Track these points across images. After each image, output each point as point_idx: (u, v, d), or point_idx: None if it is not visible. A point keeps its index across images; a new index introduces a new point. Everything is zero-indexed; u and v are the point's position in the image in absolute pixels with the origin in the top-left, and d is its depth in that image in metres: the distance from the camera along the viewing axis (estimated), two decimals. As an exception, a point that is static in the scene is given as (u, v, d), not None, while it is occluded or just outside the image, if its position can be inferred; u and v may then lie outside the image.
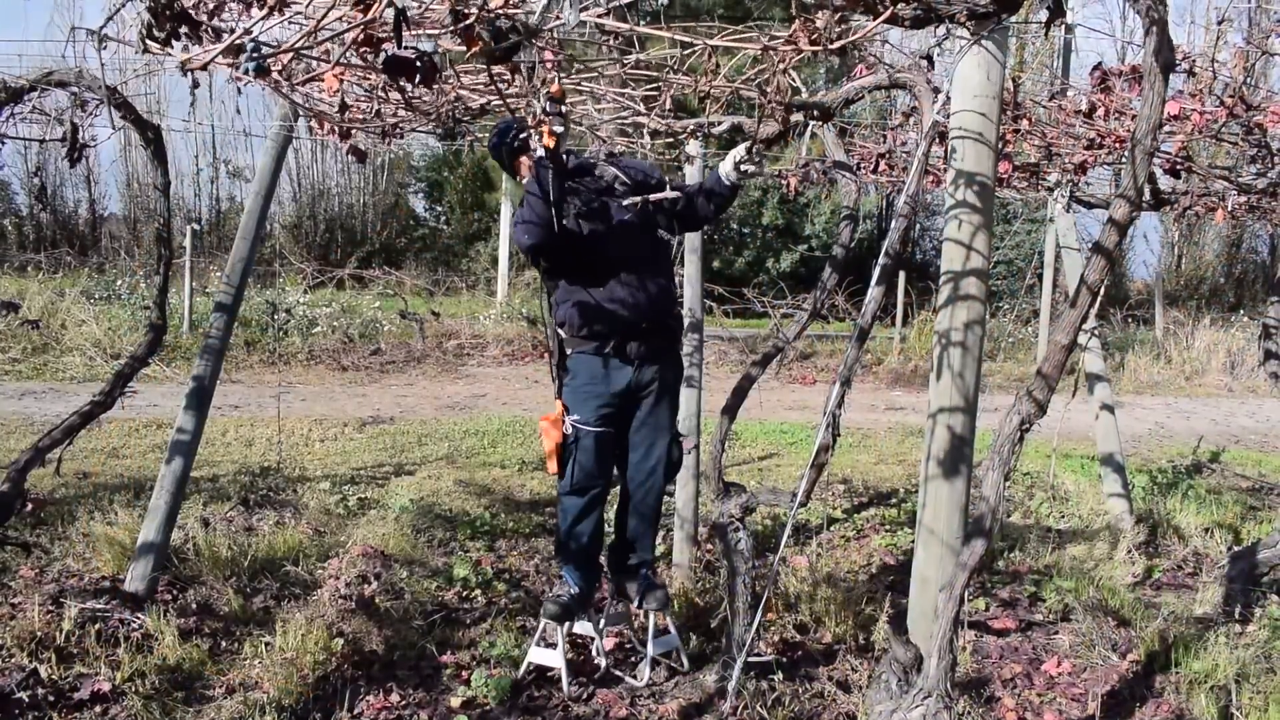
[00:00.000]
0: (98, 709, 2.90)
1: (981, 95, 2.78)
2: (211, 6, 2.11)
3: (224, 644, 3.41)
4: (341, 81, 2.44)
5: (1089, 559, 4.69)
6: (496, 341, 13.26)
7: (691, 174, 4.30)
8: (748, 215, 19.50)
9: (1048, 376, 2.19)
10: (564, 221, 3.12)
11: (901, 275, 13.99)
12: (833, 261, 3.20)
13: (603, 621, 3.45)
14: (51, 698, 2.91)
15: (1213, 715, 3.08)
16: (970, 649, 3.57)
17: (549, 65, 2.69)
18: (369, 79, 3.05)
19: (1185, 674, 3.32)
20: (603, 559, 3.56)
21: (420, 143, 22.69)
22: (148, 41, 2.02)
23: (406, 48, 1.80)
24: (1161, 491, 6.06)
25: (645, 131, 3.89)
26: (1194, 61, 3.42)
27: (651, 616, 3.33)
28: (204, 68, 2.00)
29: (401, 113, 3.43)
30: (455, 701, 3.06)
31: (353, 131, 3.56)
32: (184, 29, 2.01)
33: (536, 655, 3.26)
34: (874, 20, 2.01)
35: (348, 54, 2.07)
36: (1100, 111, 3.65)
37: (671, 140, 3.92)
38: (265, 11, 1.90)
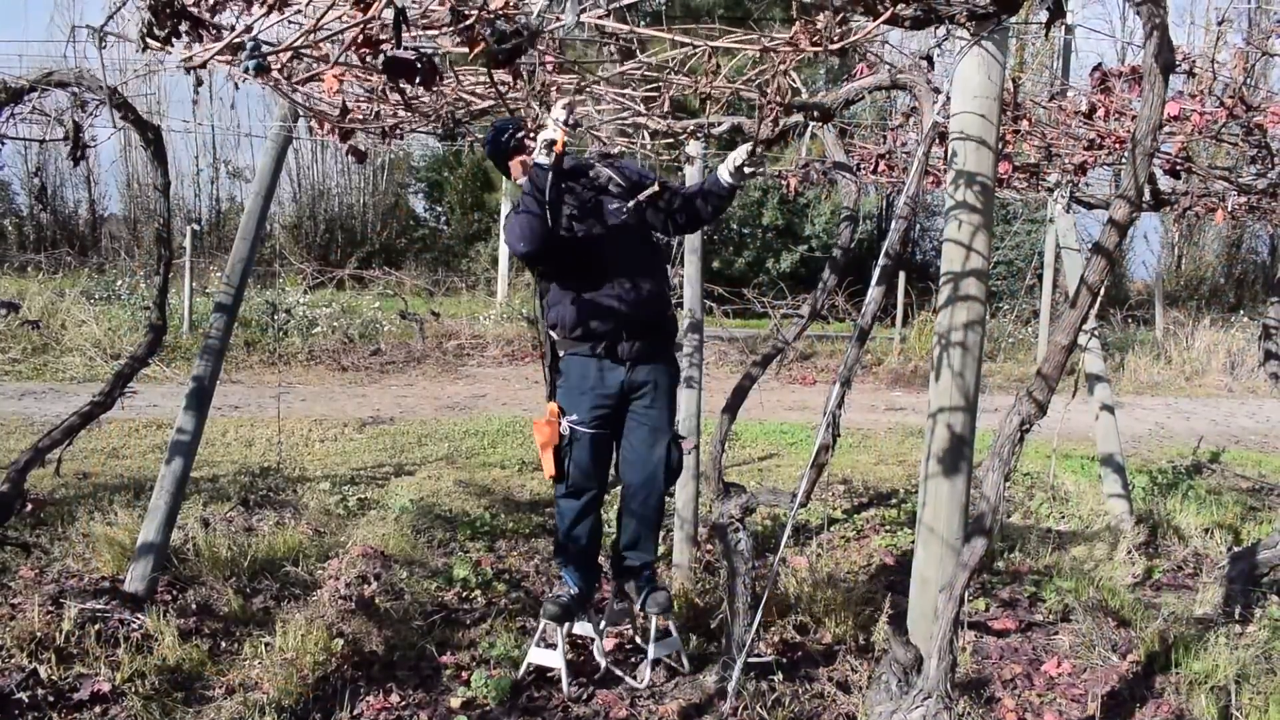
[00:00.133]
0: (97, 709, 2.89)
1: (981, 96, 2.78)
2: (211, 3, 2.11)
3: (224, 644, 3.41)
4: (341, 82, 2.44)
5: (1089, 559, 4.69)
6: (496, 342, 13.25)
7: (691, 174, 4.30)
8: (748, 215, 19.50)
9: (1048, 377, 2.19)
10: (559, 222, 3.12)
11: (901, 276, 13.98)
12: (832, 262, 3.20)
13: (603, 622, 3.44)
14: (51, 698, 2.91)
15: (1213, 716, 3.07)
16: (970, 649, 3.57)
17: (550, 68, 2.69)
18: (369, 79, 3.05)
19: (1185, 674, 3.32)
20: (603, 560, 3.56)
21: (420, 143, 22.70)
22: (148, 40, 2.02)
23: (407, 48, 1.80)
24: (1162, 492, 6.06)
25: (645, 132, 3.89)
26: (1194, 62, 3.42)
27: (653, 619, 3.32)
28: (204, 65, 2.00)
29: (401, 113, 3.42)
30: (455, 702, 3.06)
31: (353, 132, 3.56)
32: (184, 26, 2.01)
33: (536, 656, 3.26)
34: (874, 21, 2.02)
35: (347, 55, 2.07)
36: (1100, 112, 3.65)
37: (671, 141, 3.92)
38: (265, 9, 1.90)
